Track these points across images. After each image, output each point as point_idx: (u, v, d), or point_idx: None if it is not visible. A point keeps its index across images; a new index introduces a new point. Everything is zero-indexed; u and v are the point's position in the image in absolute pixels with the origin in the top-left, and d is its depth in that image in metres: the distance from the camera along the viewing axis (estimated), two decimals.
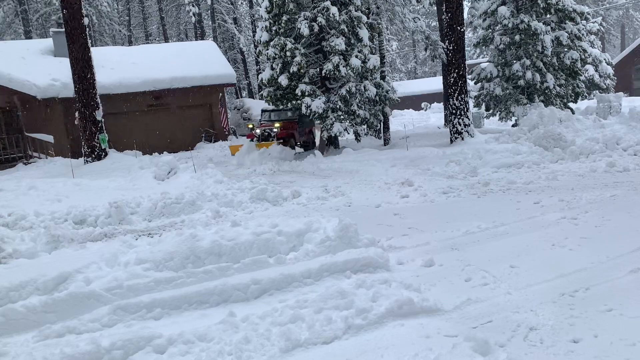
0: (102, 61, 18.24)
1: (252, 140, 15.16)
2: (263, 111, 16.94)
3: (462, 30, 14.17)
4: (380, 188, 9.16)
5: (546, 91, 16.42)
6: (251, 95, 36.37)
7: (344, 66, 13.65)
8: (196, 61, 21.11)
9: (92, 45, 15.80)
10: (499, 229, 5.81)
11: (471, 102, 16.86)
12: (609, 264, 4.43)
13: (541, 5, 15.98)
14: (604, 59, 22.55)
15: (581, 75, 17.33)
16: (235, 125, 25.89)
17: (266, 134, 15.07)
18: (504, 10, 16.14)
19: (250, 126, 16.14)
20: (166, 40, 37.89)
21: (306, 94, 14.02)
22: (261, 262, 4.73)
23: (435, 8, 22.33)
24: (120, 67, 19.50)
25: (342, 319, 3.56)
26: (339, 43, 13.56)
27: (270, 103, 15.60)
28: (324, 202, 8.35)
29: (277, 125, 15.08)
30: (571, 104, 17.62)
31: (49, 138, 17.08)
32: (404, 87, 39.44)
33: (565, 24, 16.31)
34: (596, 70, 21.36)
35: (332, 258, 4.70)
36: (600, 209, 6.27)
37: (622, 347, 3.09)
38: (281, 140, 14.73)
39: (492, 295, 3.96)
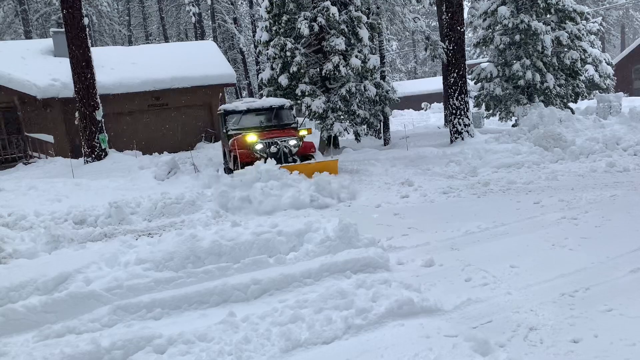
0: (102, 61, 18.23)
1: (242, 165, 8.94)
2: (228, 113, 10.77)
3: (462, 30, 14.17)
4: (380, 188, 9.16)
5: (546, 91, 16.42)
6: (251, 95, 36.36)
7: (344, 66, 13.65)
8: (196, 61, 21.09)
9: (92, 45, 15.79)
10: (499, 229, 5.80)
11: (471, 102, 16.87)
12: (609, 264, 4.43)
13: (541, 5, 15.99)
14: (604, 59, 22.52)
15: (581, 75, 17.34)
16: None
17: (286, 150, 9.60)
18: (504, 10, 16.14)
19: (253, 139, 9.57)
20: (166, 40, 37.88)
21: (306, 94, 14.01)
22: (261, 262, 4.73)
23: (435, 8, 22.32)
24: (120, 67, 19.48)
25: (342, 319, 3.56)
26: (339, 43, 13.56)
27: None
28: None
29: (303, 132, 10.07)
30: (571, 104, 17.63)
31: (49, 138, 17.07)
32: (404, 87, 39.45)
33: (565, 24, 16.32)
34: (596, 70, 21.33)
35: (332, 258, 4.70)
36: (601, 209, 6.27)
37: (622, 347, 3.09)
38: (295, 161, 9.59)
39: (492, 295, 3.96)
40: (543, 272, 4.33)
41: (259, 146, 9.54)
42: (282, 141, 9.64)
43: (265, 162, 8.89)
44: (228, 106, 10.93)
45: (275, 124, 10.67)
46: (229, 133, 10.45)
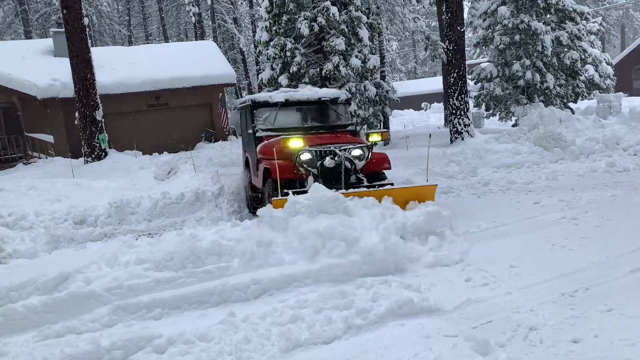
0: (102, 61, 18.23)
1: (282, 186, 5.79)
2: (258, 105, 7.39)
3: (462, 30, 14.17)
4: None
5: (546, 91, 16.43)
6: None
7: (344, 66, 13.65)
8: (196, 61, 21.11)
9: (92, 45, 15.78)
10: (499, 229, 5.80)
11: (471, 102, 16.86)
12: (609, 264, 4.43)
13: (541, 5, 15.99)
14: (604, 59, 22.53)
15: (581, 75, 17.35)
16: (236, 125, 25.90)
17: (348, 164, 6.27)
18: (504, 10, 16.14)
19: (298, 146, 6.21)
20: (166, 40, 37.89)
21: None
22: None
23: (435, 8, 22.35)
24: (120, 67, 19.49)
25: (342, 319, 3.56)
26: (339, 43, 13.56)
27: None
28: None
29: (374, 138, 6.78)
30: (571, 104, 17.63)
31: (49, 138, 17.08)
32: (404, 87, 39.44)
33: (565, 24, 16.32)
34: (596, 70, 21.35)
35: None
36: (600, 209, 6.27)
37: (622, 347, 3.09)
38: (361, 187, 6.16)
39: (492, 295, 3.96)
40: (543, 272, 4.32)
41: (305, 156, 6.23)
42: (341, 150, 6.25)
43: (320, 178, 6.14)
44: (259, 96, 7.57)
45: (326, 125, 7.48)
46: (258, 134, 7.25)
